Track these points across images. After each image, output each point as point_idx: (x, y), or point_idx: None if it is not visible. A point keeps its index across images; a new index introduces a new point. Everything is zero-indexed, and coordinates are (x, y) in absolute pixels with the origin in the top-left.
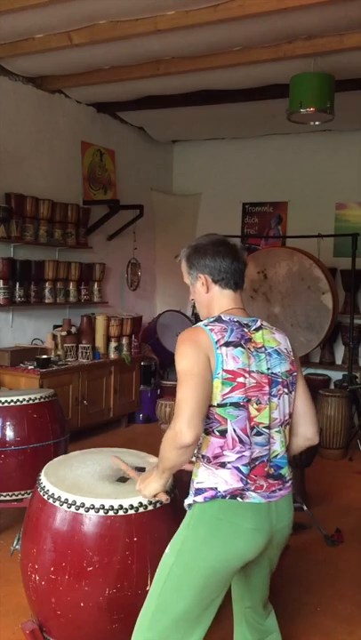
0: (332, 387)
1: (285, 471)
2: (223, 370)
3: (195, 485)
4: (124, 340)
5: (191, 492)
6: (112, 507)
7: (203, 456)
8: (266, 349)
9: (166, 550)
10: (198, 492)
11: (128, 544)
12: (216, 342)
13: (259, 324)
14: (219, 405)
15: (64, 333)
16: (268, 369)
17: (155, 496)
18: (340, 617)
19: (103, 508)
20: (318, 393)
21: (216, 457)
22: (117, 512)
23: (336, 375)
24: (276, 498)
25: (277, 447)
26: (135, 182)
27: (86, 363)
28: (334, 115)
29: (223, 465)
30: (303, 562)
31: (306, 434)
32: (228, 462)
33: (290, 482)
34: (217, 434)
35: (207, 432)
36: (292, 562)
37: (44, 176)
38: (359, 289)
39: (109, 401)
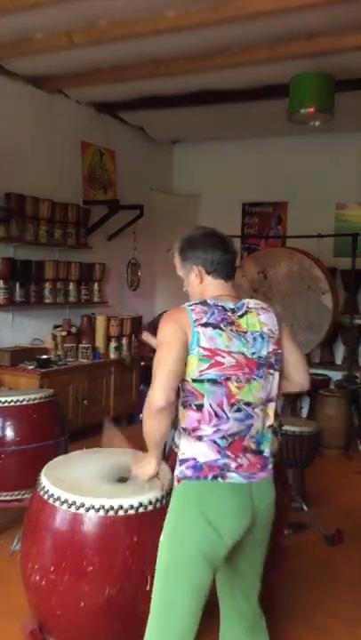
0: (332, 387)
1: (265, 447)
2: (200, 347)
3: (179, 456)
4: (124, 340)
5: (178, 463)
6: (112, 507)
7: (184, 428)
8: (252, 334)
9: (161, 537)
10: (182, 462)
11: (128, 544)
12: (195, 321)
13: (245, 308)
14: (196, 380)
15: (64, 333)
16: (254, 353)
17: (152, 478)
18: (340, 617)
19: (103, 508)
20: (318, 393)
21: (194, 430)
22: (117, 512)
23: (336, 375)
24: (257, 479)
25: (259, 424)
26: (135, 182)
27: (86, 363)
28: (334, 115)
29: (200, 438)
30: (303, 562)
31: (299, 380)
32: (205, 435)
33: (271, 464)
34: (194, 407)
35: (185, 406)
36: (293, 562)
37: (44, 176)
38: (359, 289)
39: (109, 401)
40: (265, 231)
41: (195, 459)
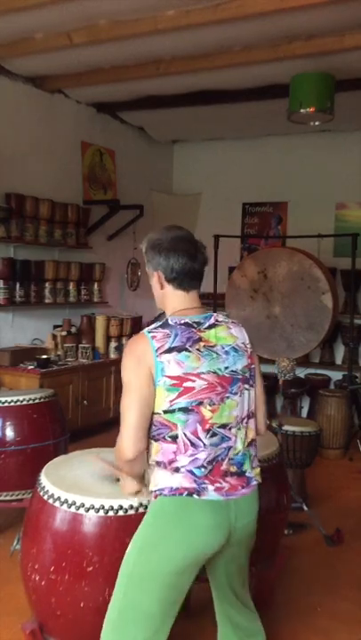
0: (332, 387)
1: (247, 466)
2: (166, 376)
3: (152, 489)
4: (124, 340)
5: (151, 496)
6: (112, 507)
7: (158, 462)
8: (223, 348)
9: (128, 548)
10: (157, 492)
11: (128, 544)
12: (157, 350)
13: (212, 321)
14: (166, 412)
15: (64, 333)
16: (227, 367)
17: (137, 493)
18: (340, 617)
19: (103, 508)
20: (318, 393)
21: (171, 462)
22: (117, 512)
23: (336, 375)
24: (236, 496)
25: (238, 445)
26: (135, 182)
27: (86, 363)
28: (334, 115)
29: (177, 470)
30: (303, 562)
31: (257, 426)
32: (182, 467)
33: (255, 481)
34: (168, 440)
35: (157, 439)
36: (293, 562)
37: (44, 176)
38: (359, 289)
39: (109, 401)
40: (265, 231)
41: (170, 487)
